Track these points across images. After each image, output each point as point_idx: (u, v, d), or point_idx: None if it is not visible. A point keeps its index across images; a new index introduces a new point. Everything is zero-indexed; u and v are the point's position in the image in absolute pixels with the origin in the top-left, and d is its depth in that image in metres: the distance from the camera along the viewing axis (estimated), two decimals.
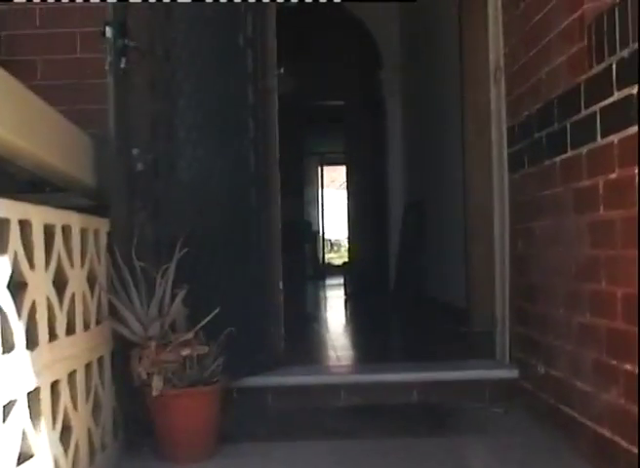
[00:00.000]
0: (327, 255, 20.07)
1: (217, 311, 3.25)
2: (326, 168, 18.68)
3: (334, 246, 26.08)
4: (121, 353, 3.24)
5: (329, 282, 15.40)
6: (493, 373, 4.07)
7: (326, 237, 20.64)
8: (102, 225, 3.21)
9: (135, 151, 3.57)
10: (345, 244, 23.39)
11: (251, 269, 4.04)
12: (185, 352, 3.15)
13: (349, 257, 12.96)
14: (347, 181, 13.42)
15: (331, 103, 13.12)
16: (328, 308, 9.03)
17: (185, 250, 3.32)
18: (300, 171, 16.53)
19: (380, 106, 9.63)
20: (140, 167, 3.60)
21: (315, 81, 11.90)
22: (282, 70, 4.75)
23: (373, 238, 11.61)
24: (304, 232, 16.35)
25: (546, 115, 3.44)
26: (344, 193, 15.34)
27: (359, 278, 9.82)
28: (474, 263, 5.99)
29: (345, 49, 10.94)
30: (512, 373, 4.02)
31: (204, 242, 3.71)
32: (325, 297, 11.28)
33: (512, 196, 4.08)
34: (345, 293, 10.08)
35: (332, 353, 5.00)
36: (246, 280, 3.98)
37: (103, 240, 3.21)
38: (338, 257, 23.28)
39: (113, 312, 3.18)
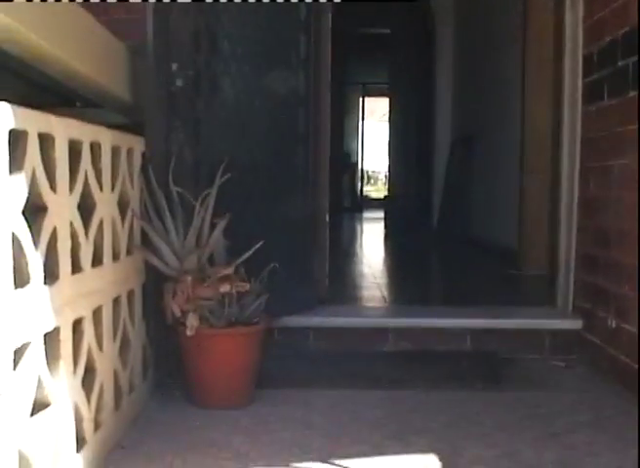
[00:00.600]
0: (365, 188, 19.68)
1: (260, 244, 2.94)
2: (367, 99, 18.21)
3: (371, 178, 25.73)
4: (154, 287, 2.95)
5: (366, 215, 15.10)
6: (554, 323, 3.74)
7: (364, 169, 20.29)
8: (137, 144, 2.89)
9: (174, 66, 3.25)
10: (383, 177, 23.08)
11: (297, 200, 3.72)
12: (224, 288, 2.85)
13: (389, 192, 12.61)
14: (390, 114, 13.00)
15: (376, 31, 12.63)
16: (368, 244, 8.69)
17: (228, 175, 3.00)
18: (339, 100, 16.12)
19: (430, 35, 9.14)
20: (179, 82, 3.28)
21: (360, 5, 11.42)
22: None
23: (416, 173, 11.24)
24: (343, 163, 16.04)
25: (635, 41, 3.06)
26: (385, 125, 14.96)
27: (400, 214, 9.45)
28: (529, 202, 5.66)
29: None
30: (576, 324, 3.70)
31: (247, 168, 3.40)
32: (364, 232, 10.93)
33: (585, 130, 3.71)
34: (385, 228, 9.76)
35: (377, 293, 4.69)
36: (291, 211, 3.67)
37: (137, 161, 2.89)
38: (375, 190, 22.97)
39: (146, 241, 2.88)
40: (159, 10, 3.12)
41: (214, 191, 2.91)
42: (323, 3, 3.93)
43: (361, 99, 18.07)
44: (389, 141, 13.03)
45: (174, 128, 3.17)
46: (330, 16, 3.98)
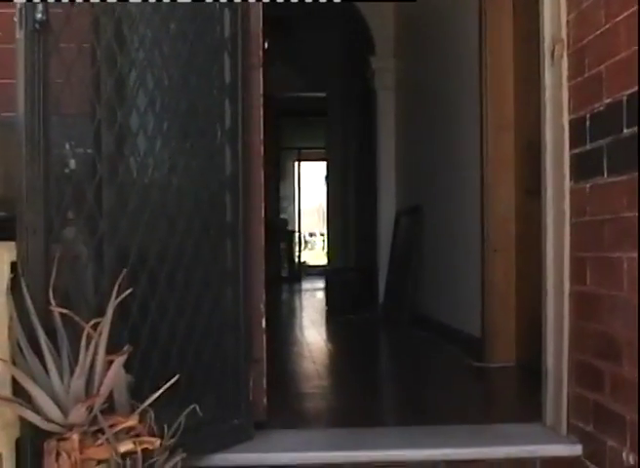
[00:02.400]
0: (303, 254, 18.95)
1: (175, 379, 2.20)
2: (304, 163, 17.66)
3: (308, 243, 25.05)
4: (31, 446, 2.17)
5: (305, 286, 14.38)
6: (547, 449, 3.01)
7: (302, 234, 19.66)
8: (4, 252, 2.14)
9: (65, 144, 2.52)
10: (321, 241, 22.46)
11: (225, 302, 2.99)
12: (126, 447, 2.09)
13: (330, 263, 11.95)
14: (328, 178, 12.41)
15: (312, 95, 12.11)
16: (310, 328, 7.88)
17: (129, 290, 2.25)
18: (275, 166, 15.58)
19: (371, 100, 8.51)
20: (71, 165, 2.55)
21: (294, 68, 10.88)
22: (267, 44, 3.81)
23: (357, 241, 10.59)
24: (280, 231, 15.39)
25: None
26: (321, 185, 14.41)
27: (342, 288, 8.73)
28: (494, 285, 5.00)
29: (330, 32, 9.92)
30: (574, 450, 2.99)
31: (160, 271, 2.66)
32: (303, 309, 10.12)
33: (576, 212, 3.04)
34: (327, 304, 9.03)
35: (324, 404, 3.95)
36: (218, 316, 2.94)
37: (4, 274, 2.14)
38: (313, 257, 22.27)
39: (18, 388, 2.11)
40: (33, 67, 2.38)
41: (108, 314, 2.15)
42: (254, 55, 3.25)
43: (297, 164, 17.50)
44: (328, 206, 12.43)
45: (59, 224, 2.40)
46: (260, 76, 3.30)
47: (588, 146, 2.90)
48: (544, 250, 3.27)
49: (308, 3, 6.71)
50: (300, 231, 18.63)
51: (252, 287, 3.16)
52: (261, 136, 3.22)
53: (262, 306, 3.26)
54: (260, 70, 3.29)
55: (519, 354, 4.90)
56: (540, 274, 4.53)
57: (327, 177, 12.31)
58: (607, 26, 2.75)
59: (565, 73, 3.10)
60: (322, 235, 21.19)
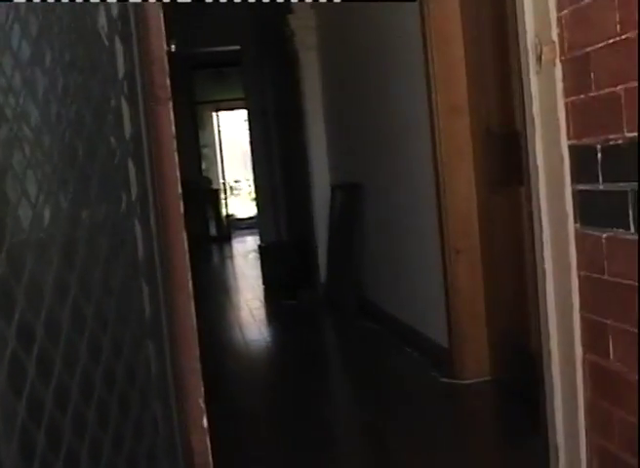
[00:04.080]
0: (229, 202, 18.17)
1: None
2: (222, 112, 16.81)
3: (234, 190, 24.25)
4: None
5: (236, 246, 13.68)
6: None
7: (226, 184, 18.95)
8: None
9: None
10: (247, 187, 21.71)
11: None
12: None
13: (258, 208, 11.23)
14: (250, 125, 11.60)
15: (225, 49, 11.29)
16: (247, 317, 7.18)
17: None
18: (191, 118, 14.80)
19: (291, 59, 7.69)
20: None
21: (207, 23, 10.04)
22: (173, 47, 3.08)
23: (288, 207, 9.89)
24: (205, 191, 14.71)
25: None
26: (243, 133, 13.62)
27: (278, 266, 8.05)
28: (460, 291, 4.39)
29: None
30: None
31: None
32: (237, 288, 9.36)
33: (588, 265, 2.40)
34: (264, 283, 8.35)
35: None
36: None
37: None
38: (241, 205, 21.54)
39: None
40: None
41: None
42: (159, 84, 2.50)
43: (215, 114, 16.64)
44: (252, 154, 11.68)
45: None
46: (170, 107, 2.55)
47: (602, 186, 2.25)
48: (543, 301, 2.64)
49: None
50: (224, 179, 17.87)
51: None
52: (179, 198, 2.49)
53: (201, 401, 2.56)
54: (170, 104, 2.55)
55: (493, 368, 4.31)
56: (512, 278, 3.97)
57: (249, 127, 11.48)
58: (625, 35, 2.07)
59: (560, 85, 2.42)
60: (247, 180, 20.56)
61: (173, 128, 2.55)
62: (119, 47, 2.36)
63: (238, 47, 10.77)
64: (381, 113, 5.47)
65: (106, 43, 2.33)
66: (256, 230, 12.05)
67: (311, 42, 7.24)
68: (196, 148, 15.35)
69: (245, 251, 12.45)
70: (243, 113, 12.90)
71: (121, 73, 2.35)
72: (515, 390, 3.96)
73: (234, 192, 24.14)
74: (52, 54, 2.07)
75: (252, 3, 7.71)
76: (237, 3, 7.90)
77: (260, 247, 8.93)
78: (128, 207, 2.33)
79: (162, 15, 2.57)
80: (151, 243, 2.39)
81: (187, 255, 2.51)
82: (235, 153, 19.50)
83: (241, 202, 21.37)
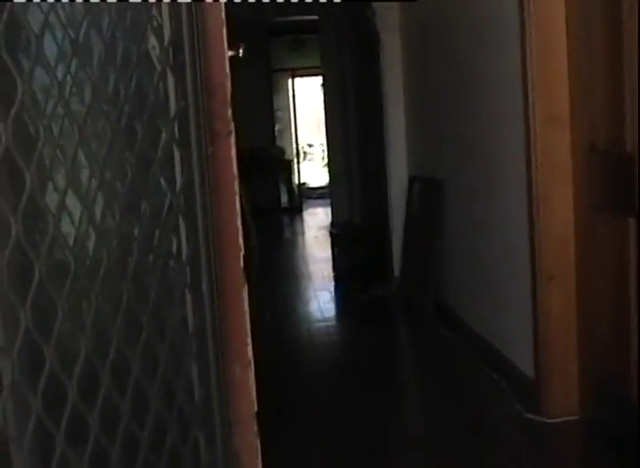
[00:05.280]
0: (301, 166, 17.75)
1: None
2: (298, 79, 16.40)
3: (307, 154, 23.84)
4: None
5: (307, 221, 13.34)
6: None
7: (300, 145, 18.51)
8: None
9: None
10: (320, 152, 21.33)
11: None
12: None
13: (331, 178, 10.83)
14: (325, 89, 11.19)
15: (303, 18, 10.92)
16: (309, 306, 6.79)
17: None
18: (269, 88, 14.49)
19: (370, 39, 7.22)
20: None
21: None
22: (241, 51, 2.75)
23: (363, 188, 9.50)
24: (277, 161, 14.42)
25: None
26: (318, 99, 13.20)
27: (350, 254, 7.68)
28: (551, 321, 4.00)
29: None
30: None
31: None
32: (305, 268, 8.98)
33: None
34: (334, 272, 7.98)
35: None
36: None
37: None
38: (313, 171, 21.18)
39: None
40: None
41: None
42: (220, 116, 2.13)
43: (290, 80, 16.24)
44: (326, 120, 11.31)
45: None
46: (233, 143, 2.18)
47: None
48: None
49: None
50: (297, 143, 17.43)
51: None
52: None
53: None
54: (231, 139, 2.18)
55: (584, 406, 3.90)
56: (611, 313, 3.56)
57: (324, 92, 11.05)
58: None
59: None
60: (321, 145, 20.20)
61: (234, 167, 2.20)
62: (170, 78, 2.01)
63: (316, 17, 10.37)
64: (471, 108, 5.02)
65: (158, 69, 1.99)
66: (327, 201, 11.72)
67: (394, 22, 6.77)
68: (270, 116, 15.01)
69: (317, 226, 12.07)
70: (318, 79, 12.54)
71: (173, 111, 2.01)
72: (607, 435, 3.57)
73: (307, 157, 23.79)
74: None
75: None
76: None
77: (331, 233, 8.54)
78: (177, 274, 2.00)
79: (225, 26, 2.20)
80: (204, 315, 2.04)
81: (247, 325, 2.17)
82: (309, 117, 19.07)
83: (314, 168, 21.01)
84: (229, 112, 2.15)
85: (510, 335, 4.52)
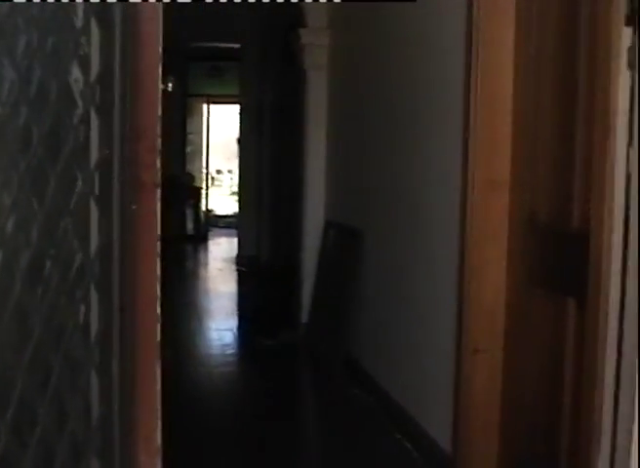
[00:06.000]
0: (209, 192, 17.48)
1: None
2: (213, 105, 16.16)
3: (215, 180, 23.47)
4: None
5: (212, 250, 13.00)
6: None
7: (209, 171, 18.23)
8: None
9: None
10: (228, 179, 21.07)
11: None
12: None
13: (240, 205, 10.58)
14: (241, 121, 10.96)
15: (224, 46, 10.71)
16: (216, 360, 6.37)
17: None
18: (182, 112, 14.24)
19: (299, 76, 6.97)
20: None
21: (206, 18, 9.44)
22: (170, 85, 2.37)
23: (272, 225, 9.24)
24: (186, 188, 14.13)
25: None
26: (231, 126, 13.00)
27: (257, 295, 7.39)
28: (473, 397, 3.76)
29: None
30: None
31: None
32: (209, 311, 8.45)
33: None
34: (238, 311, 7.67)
35: None
36: None
37: None
38: (220, 196, 20.86)
39: None
40: None
41: None
42: (146, 163, 1.83)
43: (206, 106, 15.98)
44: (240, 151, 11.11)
45: None
46: (158, 195, 1.88)
47: None
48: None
49: None
50: (207, 169, 17.35)
51: None
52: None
53: None
54: (157, 192, 1.88)
55: None
56: (541, 397, 3.39)
57: (240, 120, 10.82)
58: None
59: None
60: (230, 172, 20.04)
61: (158, 226, 1.89)
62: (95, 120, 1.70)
63: (238, 45, 10.18)
64: (401, 159, 4.79)
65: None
66: (234, 231, 11.41)
67: (322, 61, 6.52)
68: (182, 139, 14.75)
69: (221, 257, 11.71)
70: (233, 107, 12.35)
71: (94, 159, 1.70)
72: None
73: (215, 182, 23.43)
74: None
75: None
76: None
77: (238, 271, 8.25)
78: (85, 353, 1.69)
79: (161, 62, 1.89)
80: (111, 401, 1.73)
81: (159, 405, 1.85)
82: (221, 144, 18.83)
83: (221, 195, 20.71)
84: (158, 161, 1.85)
85: (428, 405, 4.28)
